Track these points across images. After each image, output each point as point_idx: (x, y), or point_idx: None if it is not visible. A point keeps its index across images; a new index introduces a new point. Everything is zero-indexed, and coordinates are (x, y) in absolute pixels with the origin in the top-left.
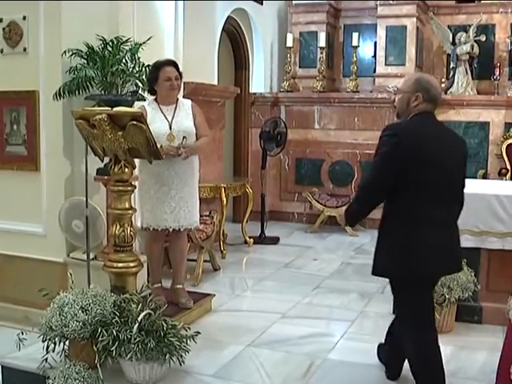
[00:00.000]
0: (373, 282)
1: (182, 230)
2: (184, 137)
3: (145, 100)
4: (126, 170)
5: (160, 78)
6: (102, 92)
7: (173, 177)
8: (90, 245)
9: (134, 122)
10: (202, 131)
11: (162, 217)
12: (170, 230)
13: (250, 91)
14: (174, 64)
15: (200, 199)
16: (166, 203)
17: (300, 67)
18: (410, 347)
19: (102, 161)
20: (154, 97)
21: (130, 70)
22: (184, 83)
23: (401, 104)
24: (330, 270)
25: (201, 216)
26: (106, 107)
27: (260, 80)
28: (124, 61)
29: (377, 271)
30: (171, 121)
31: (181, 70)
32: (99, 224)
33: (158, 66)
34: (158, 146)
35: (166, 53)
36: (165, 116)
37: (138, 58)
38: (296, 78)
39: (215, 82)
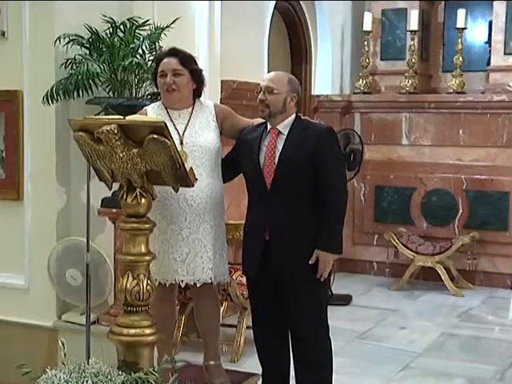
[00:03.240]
0: (486, 364)
1: (198, 284)
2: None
3: None
4: (143, 200)
5: (157, 74)
6: (111, 94)
7: (185, 210)
8: (90, 303)
9: (155, 136)
10: (243, 124)
11: (170, 267)
12: (182, 284)
13: (313, 93)
14: (175, 54)
15: (227, 239)
16: (175, 248)
17: (382, 59)
18: None
19: (110, 188)
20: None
21: (149, 64)
22: (221, 82)
23: None
24: (425, 343)
25: (239, 264)
26: (116, 115)
27: (326, 78)
28: (140, 51)
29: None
30: (183, 132)
31: (203, 69)
32: (104, 274)
33: (157, 57)
34: (187, 167)
35: (198, 41)
36: (174, 126)
37: (160, 48)
38: (376, 75)
39: None
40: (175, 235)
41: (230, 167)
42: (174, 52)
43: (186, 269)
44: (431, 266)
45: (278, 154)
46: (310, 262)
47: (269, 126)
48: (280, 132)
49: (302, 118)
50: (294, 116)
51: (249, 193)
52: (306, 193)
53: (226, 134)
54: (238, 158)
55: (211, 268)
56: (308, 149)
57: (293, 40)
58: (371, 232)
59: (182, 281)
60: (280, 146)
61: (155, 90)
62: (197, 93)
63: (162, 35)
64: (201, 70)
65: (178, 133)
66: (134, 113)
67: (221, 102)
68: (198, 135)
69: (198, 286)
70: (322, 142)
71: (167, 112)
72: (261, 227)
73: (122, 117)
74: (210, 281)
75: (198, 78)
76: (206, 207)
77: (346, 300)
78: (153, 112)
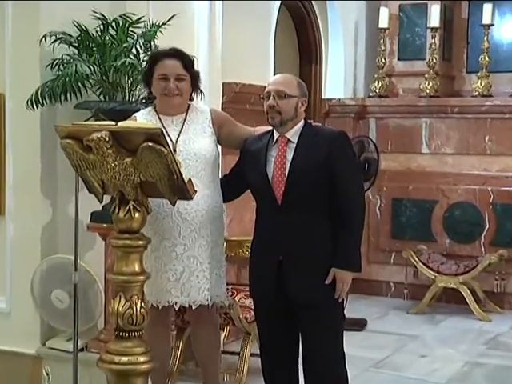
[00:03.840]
0: None
1: (194, 307)
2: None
3: None
4: (137, 214)
5: (155, 74)
6: (101, 98)
7: (178, 225)
8: (78, 328)
9: (150, 144)
10: (243, 132)
11: (163, 287)
12: (175, 306)
13: (323, 97)
14: (180, 56)
15: (229, 257)
16: (168, 266)
17: (400, 59)
18: None
19: (101, 201)
20: (154, 104)
21: (144, 64)
22: (223, 85)
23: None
24: (448, 373)
25: (242, 285)
26: (108, 121)
27: (338, 79)
28: (134, 51)
29: None
30: (176, 139)
31: (203, 70)
32: (93, 296)
33: (155, 56)
34: (186, 178)
35: (197, 40)
36: (167, 133)
37: (156, 48)
38: (393, 76)
39: None
40: (168, 252)
41: (235, 183)
42: (177, 54)
43: (180, 289)
44: (455, 288)
45: (288, 165)
46: (326, 282)
47: (275, 135)
48: (289, 140)
49: (313, 123)
50: (302, 122)
51: (257, 208)
52: (320, 205)
53: (224, 143)
54: (243, 172)
55: (208, 289)
56: (320, 156)
57: (301, 38)
58: (388, 249)
59: (176, 303)
60: (290, 156)
61: (150, 94)
62: (190, 96)
63: (158, 33)
64: (199, 73)
65: (171, 140)
66: (127, 118)
67: (222, 107)
68: (192, 142)
69: (193, 308)
70: (335, 147)
71: (159, 118)
72: (273, 247)
73: (113, 123)
74: (206, 303)
75: (196, 82)
76: (201, 221)
77: (360, 325)
78: (143, 118)
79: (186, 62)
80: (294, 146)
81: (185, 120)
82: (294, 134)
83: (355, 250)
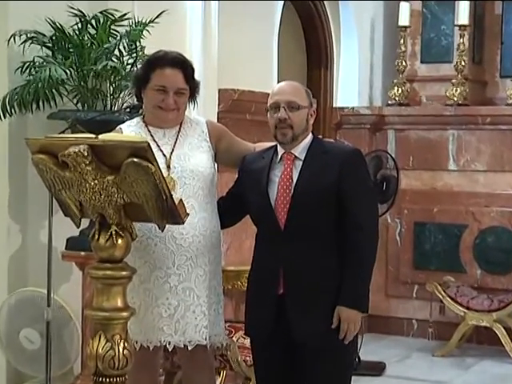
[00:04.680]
0: None
1: (190, 347)
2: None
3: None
4: (120, 241)
5: (151, 83)
6: (79, 106)
7: (173, 252)
8: (51, 373)
9: (136, 160)
10: (243, 148)
11: (154, 324)
12: (169, 347)
13: (334, 105)
14: (182, 65)
15: (226, 290)
16: (161, 300)
17: (423, 62)
18: None
19: (78, 225)
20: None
21: (128, 68)
22: (219, 92)
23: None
24: None
25: (241, 322)
26: (87, 133)
27: (351, 86)
28: (117, 53)
29: None
30: (170, 155)
31: (197, 75)
32: (69, 336)
33: (154, 61)
34: (176, 199)
35: (190, 40)
36: (159, 147)
37: (142, 49)
38: (415, 82)
39: None
40: (161, 284)
41: (234, 206)
42: (180, 62)
43: (174, 326)
44: (487, 326)
45: (293, 185)
46: (332, 326)
47: (280, 151)
48: (296, 157)
49: (325, 139)
50: (310, 137)
51: (257, 234)
52: (328, 233)
53: (221, 159)
54: (242, 193)
55: (206, 326)
56: (329, 177)
57: (309, 39)
58: (409, 281)
59: (170, 342)
60: (295, 176)
61: (135, 102)
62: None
63: (145, 33)
64: (199, 83)
65: (164, 155)
66: (110, 130)
67: (218, 116)
68: (188, 157)
69: (189, 348)
70: (347, 167)
71: (148, 130)
72: (273, 278)
73: (93, 135)
74: (204, 342)
75: (194, 94)
76: (199, 248)
77: (377, 369)
78: (130, 131)
79: (189, 72)
80: (301, 163)
81: (179, 133)
82: (301, 150)
83: (363, 287)
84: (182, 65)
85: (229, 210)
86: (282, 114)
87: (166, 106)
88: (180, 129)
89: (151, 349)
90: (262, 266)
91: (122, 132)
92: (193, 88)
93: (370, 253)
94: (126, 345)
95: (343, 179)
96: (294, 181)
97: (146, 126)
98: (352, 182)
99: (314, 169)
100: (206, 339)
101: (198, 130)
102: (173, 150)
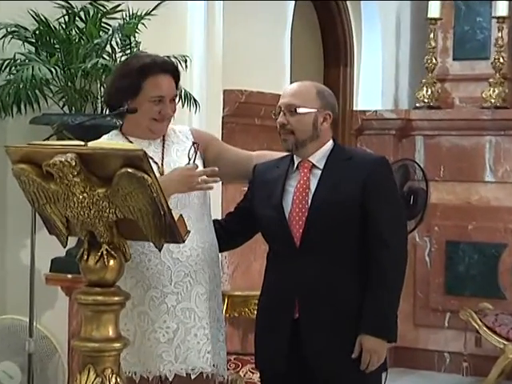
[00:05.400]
0: None
1: (193, 375)
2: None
3: None
4: (112, 262)
5: (144, 93)
6: (66, 109)
7: (169, 267)
8: None
9: (130, 170)
10: (237, 157)
11: (152, 351)
12: (169, 376)
13: (355, 108)
14: (174, 71)
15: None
16: (158, 323)
17: (455, 59)
18: None
19: (65, 245)
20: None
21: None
22: (224, 93)
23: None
24: None
25: (249, 354)
26: (74, 140)
27: (374, 86)
28: (109, 49)
29: None
30: (161, 162)
31: (199, 74)
32: (53, 369)
33: (145, 68)
34: (176, 215)
35: (192, 35)
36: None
37: (137, 45)
38: (447, 81)
39: None
40: (157, 305)
41: (243, 222)
42: (170, 66)
43: (174, 352)
44: None
45: (310, 197)
46: (352, 356)
47: (296, 159)
48: (314, 165)
49: (349, 147)
50: (331, 143)
51: (268, 253)
52: (349, 251)
53: None
54: (253, 208)
55: (209, 351)
56: (352, 188)
57: (327, 34)
58: (440, 309)
59: (170, 371)
60: (313, 186)
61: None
62: None
63: (140, 26)
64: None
65: (155, 162)
66: (100, 137)
67: (223, 121)
68: (179, 164)
69: (192, 377)
70: (372, 177)
71: (130, 142)
72: (287, 301)
73: (82, 143)
74: (209, 369)
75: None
76: (198, 262)
77: None
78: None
79: (178, 78)
80: (320, 173)
81: (164, 141)
82: (320, 158)
83: (390, 312)
84: (173, 69)
85: (237, 227)
86: (280, 118)
87: (162, 116)
88: (164, 137)
89: (150, 379)
90: (275, 288)
91: None
92: (179, 95)
93: (397, 273)
94: (118, 380)
95: (368, 190)
96: (312, 191)
97: (126, 137)
98: (378, 194)
99: (334, 178)
100: (210, 365)
101: (183, 138)
102: (163, 157)
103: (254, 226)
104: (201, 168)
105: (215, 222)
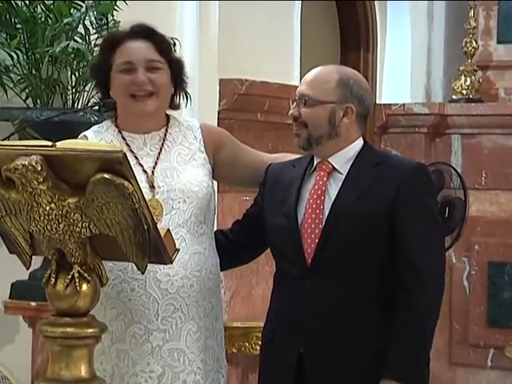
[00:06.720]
0: None
1: None
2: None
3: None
4: (84, 287)
5: (113, 69)
6: (30, 103)
7: (155, 299)
8: None
9: (107, 176)
10: (256, 160)
11: None
12: None
13: (378, 101)
14: (149, 34)
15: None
16: (140, 365)
17: (500, 43)
18: None
19: (28, 266)
20: (112, 116)
21: (96, 51)
22: (220, 83)
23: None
24: None
25: None
26: (40, 139)
27: (401, 76)
28: (82, 30)
29: None
30: (152, 170)
31: (191, 61)
32: None
33: (112, 38)
34: (162, 230)
35: (182, 14)
36: (137, 160)
37: (115, 25)
38: (490, 69)
39: (297, 83)
40: (140, 344)
41: (253, 231)
42: (145, 31)
43: None
44: None
45: (328, 205)
46: None
47: (316, 160)
48: (334, 168)
49: (381, 151)
50: (359, 144)
51: (276, 273)
52: (371, 274)
53: (223, 176)
54: (264, 215)
55: None
56: (381, 198)
57: (344, 13)
58: (482, 344)
59: None
60: (333, 192)
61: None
62: (172, 101)
63: (119, 3)
64: (182, 61)
65: (144, 170)
66: (72, 137)
67: (219, 116)
68: (177, 173)
69: None
70: (406, 188)
71: (123, 138)
72: (293, 331)
73: (49, 143)
74: None
75: (178, 74)
76: (191, 294)
77: None
78: (99, 139)
79: (160, 42)
80: (343, 178)
81: (164, 140)
82: (344, 160)
83: (419, 355)
84: (148, 33)
85: (246, 239)
86: (292, 109)
87: (137, 86)
88: (166, 134)
89: None
90: (281, 314)
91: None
92: (173, 64)
93: (430, 307)
94: None
95: (400, 204)
96: (332, 199)
97: (120, 131)
98: (411, 209)
99: (359, 186)
100: None
101: (190, 137)
102: (156, 163)
103: (261, 237)
104: (210, 175)
105: (218, 233)
